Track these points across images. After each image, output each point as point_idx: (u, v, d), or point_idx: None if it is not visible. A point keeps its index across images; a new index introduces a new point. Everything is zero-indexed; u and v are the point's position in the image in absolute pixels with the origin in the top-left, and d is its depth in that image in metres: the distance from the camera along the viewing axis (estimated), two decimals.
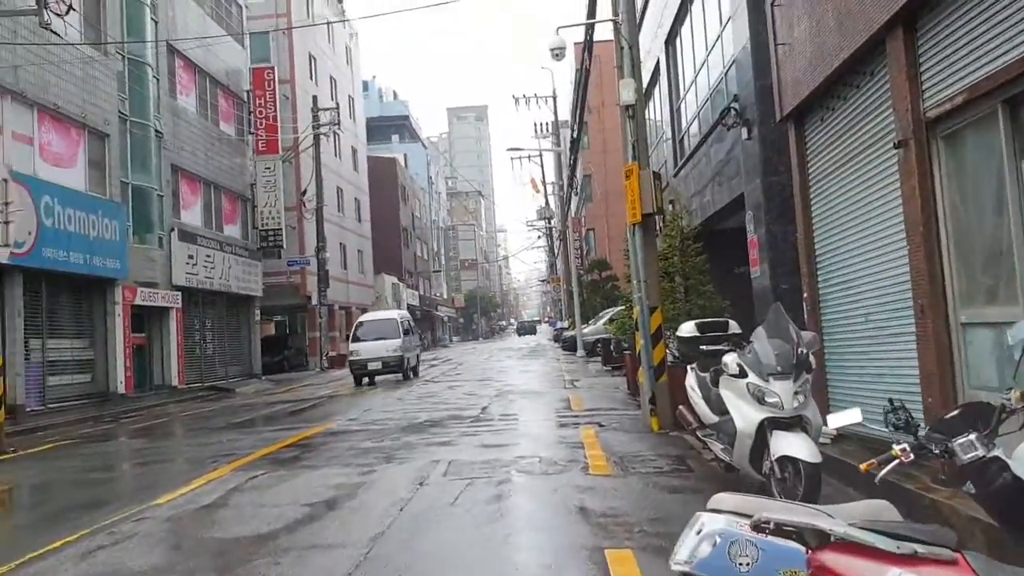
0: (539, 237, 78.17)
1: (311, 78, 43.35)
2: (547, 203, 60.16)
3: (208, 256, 28.27)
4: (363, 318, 27.38)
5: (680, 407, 8.54)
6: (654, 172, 11.08)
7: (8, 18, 17.99)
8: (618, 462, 8.70)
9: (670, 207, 17.47)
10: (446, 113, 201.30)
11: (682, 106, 17.69)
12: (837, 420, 3.46)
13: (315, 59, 44.76)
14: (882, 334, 7.57)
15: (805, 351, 6.37)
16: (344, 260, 48.10)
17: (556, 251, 60.79)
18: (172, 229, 26.05)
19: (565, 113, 58.98)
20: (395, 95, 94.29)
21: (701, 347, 7.85)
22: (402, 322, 26.15)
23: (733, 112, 11.92)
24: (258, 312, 33.64)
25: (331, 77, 48.20)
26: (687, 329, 8.42)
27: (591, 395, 16.92)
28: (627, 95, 10.87)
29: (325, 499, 7.61)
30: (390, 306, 58.93)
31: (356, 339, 25.18)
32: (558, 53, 15.32)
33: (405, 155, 75.47)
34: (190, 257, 26.94)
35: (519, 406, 15.74)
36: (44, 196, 18.99)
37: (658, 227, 12.43)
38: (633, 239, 11.50)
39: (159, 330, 25.51)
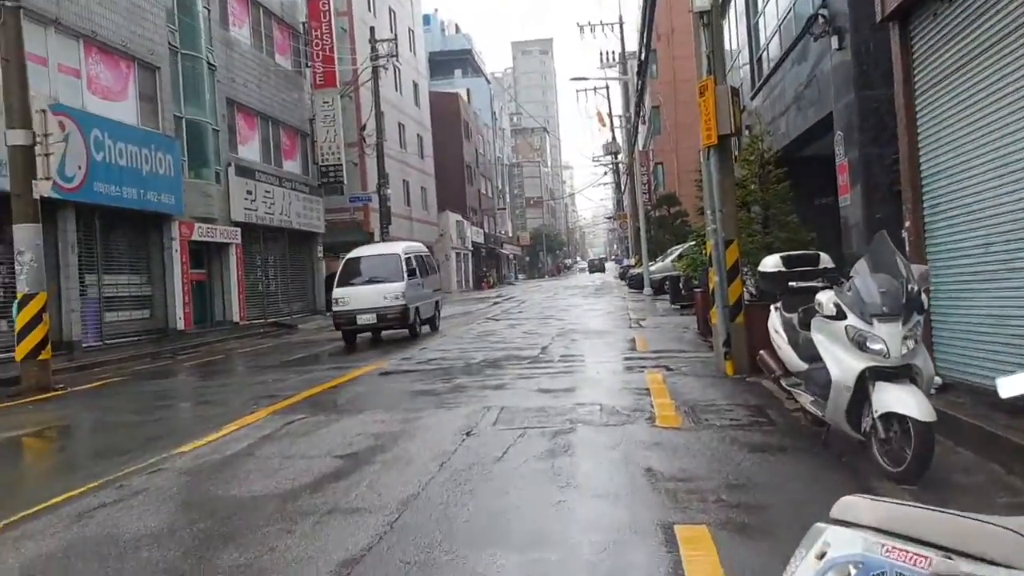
0: (605, 173, 76.52)
1: (369, 9, 42.25)
2: (613, 137, 58.50)
3: (267, 192, 27.77)
4: (355, 253, 20.29)
5: (761, 352, 7.54)
6: (731, 88, 9.88)
7: None
8: (688, 412, 7.76)
9: (746, 131, 16.14)
10: (510, 47, 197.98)
11: (760, 20, 16.24)
12: (1013, 386, 1.99)
13: None
14: (1006, 268, 6.41)
15: (917, 288, 5.31)
16: (407, 197, 47.46)
17: (623, 187, 59.25)
18: (229, 164, 25.54)
19: (632, 44, 56.94)
20: (457, 28, 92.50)
21: (789, 284, 6.79)
22: (407, 259, 19.06)
23: (821, 19, 10.59)
24: (321, 248, 33.23)
25: (390, 8, 47.01)
26: (771, 263, 7.34)
27: (658, 335, 15.93)
28: (701, 0, 9.65)
29: (359, 450, 6.84)
30: (454, 244, 58.41)
31: (344, 282, 18.53)
32: None
33: (468, 90, 74.11)
34: (248, 193, 26.45)
35: (581, 346, 14.85)
36: (94, 130, 18.50)
37: (735, 152, 11.24)
38: (708, 164, 10.36)
39: (219, 266, 25.19)
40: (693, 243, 18.95)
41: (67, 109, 17.38)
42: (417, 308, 18.77)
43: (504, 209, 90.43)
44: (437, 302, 21.16)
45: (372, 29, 36.80)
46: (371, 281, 18.33)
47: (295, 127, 31.55)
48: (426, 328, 19.95)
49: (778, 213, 11.46)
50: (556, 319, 22.20)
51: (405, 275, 18.32)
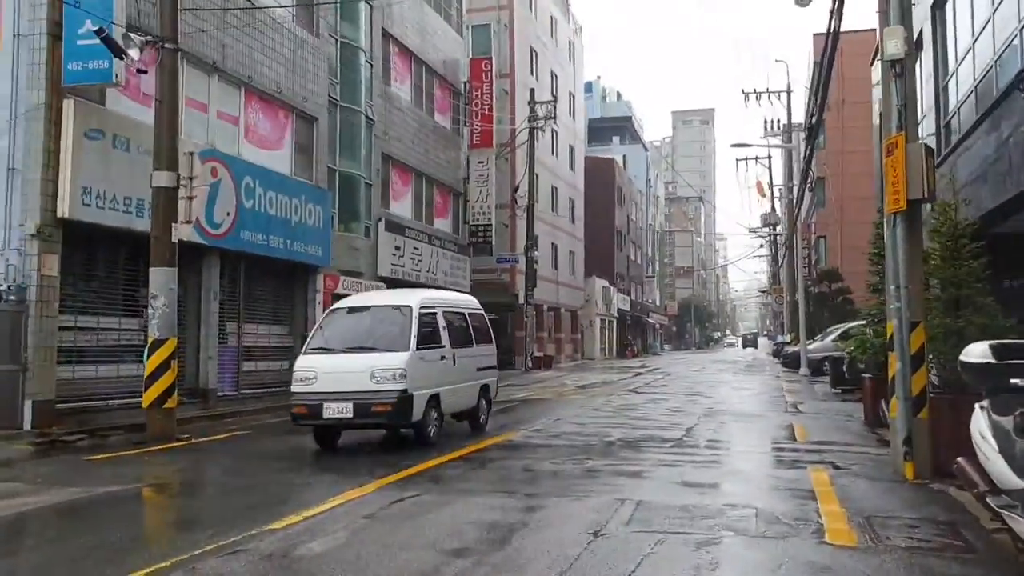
0: (761, 246, 73.94)
1: (531, 72, 42.41)
2: (773, 208, 56.34)
3: (416, 248, 27.68)
4: (345, 302, 13.69)
5: (959, 460, 6.12)
6: (925, 146, 8.54)
7: None
8: (864, 526, 6.40)
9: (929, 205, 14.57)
10: (670, 116, 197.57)
11: (951, 83, 14.65)
12: None
13: (536, 53, 43.80)
14: None
15: None
16: (555, 260, 46.90)
17: (780, 260, 56.79)
18: (380, 219, 25.57)
19: (798, 115, 55.03)
20: (619, 96, 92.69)
21: (1011, 380, 5.43)
22: (425, 315, 12.12)
23: None
24: None
25: (552, 72, 47.15)
26: (978, 353, 5.96)
27: (819, 424, 14.30)
28: (893, 47, 8.41)
29: (467, 545, 5.87)
30: (599, 310, 57.34)
31: (316, 347, 11.95)
32: None
33: (624, 156, 73.62)
34: (396, 248, 26.40)
35: (730, 430, 13.46)
36: (245, 177, 18.70)
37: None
38: (892, 234, 8.99)
39: None
40: (862, 322, 17.31)
41: (221, 155, 17.60)
42: (435, 396, 11.61)
43: (652, 277, 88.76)
44: (486, 386, 13.83)
45: (532, 91, 36.81)
46: (357, 348, 11.61)
47: (448, 185, 31.58)
48: (464, 424, 13.51)
49: (973, 294, 9.86)
50: (704, 396, 20.71)
51: (413, 341, 11.35)
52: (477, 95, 32.86)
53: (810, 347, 30.66)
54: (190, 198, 12.45)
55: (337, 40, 23.43)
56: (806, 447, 11.32)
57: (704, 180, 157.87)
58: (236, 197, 17.99)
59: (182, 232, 12.22)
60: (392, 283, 26.22)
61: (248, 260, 19.52)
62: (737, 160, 77.12)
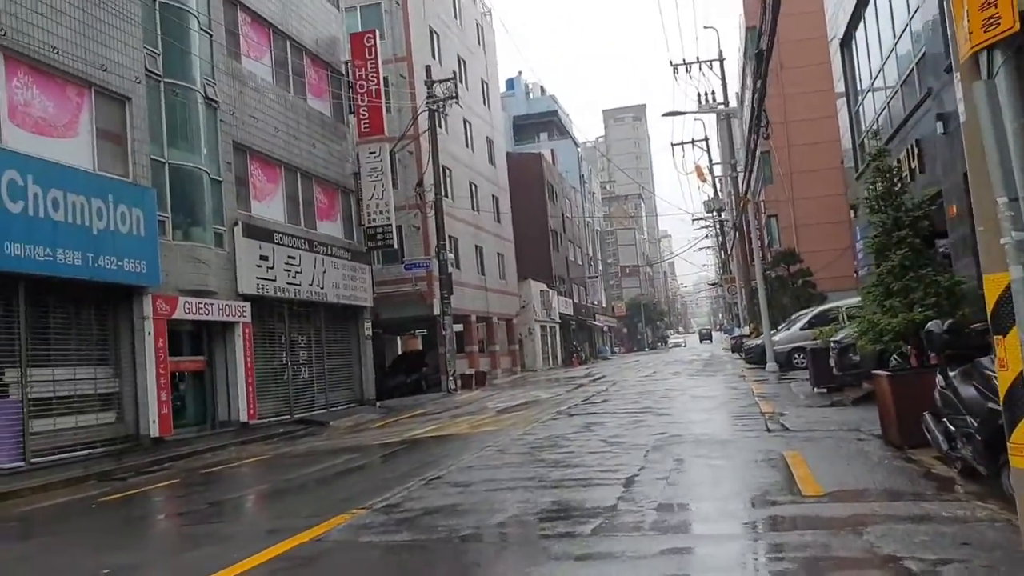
0: (706, 236, 70.12)
1: (434, 56, 37.55)
2: (716, 192, 52.37)
3: (291, 258, 22.55)
4: None
5: None
6: None
7: None
8: None
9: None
10: (601, 116, 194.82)
11: None
12: None
13: (437, 34, 38.99)
14: None
15: None
16: (480, 264, 42.03)
17: (729, 247, 52.83)
18: (236, 223, 20.46)
19: (734, 83, 51.01)
20: (543, 91, 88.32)
21: None
22: None
23: None
24: (369, 325, 27.78)
25: (459, 57, 42.38)
26: None
27: (821, 451, 9.52)
28: None
29: None
30: (538, 316, 52.56)
31: None
32: None
33: (552, 151, 69.09)
34: (263, 258, 21.26)
35: (693, 479, 8.73)
36: (7, 172, 13.58)
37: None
38: (987, 88, 4.35)
39: (222, 351, 19.93)
40: (838, 304, 13.54)
41: None
42: None
43: (596, 277, 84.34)
44: None
45: (428, 68, 31.93)
46: None
47: (334, 182, 26.52)
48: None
49: None
50: (654, 413, 15.88)
51: None
52: (361, 76, 27.86)
53: (775, 338, 26.23)
54: None
55: (155, 0, 18.36)
56: (822, 510, 6.56)
57: (642, 177, 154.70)
58: None
59: None
60: (261, 302, 21.16)
61: (29, 283, 14.39)
62: (673, 145, 73.26)
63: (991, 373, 5.74)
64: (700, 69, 41.79)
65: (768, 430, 11.79)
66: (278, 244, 22.00)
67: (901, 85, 14.24)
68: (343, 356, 26.50)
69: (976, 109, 4.50)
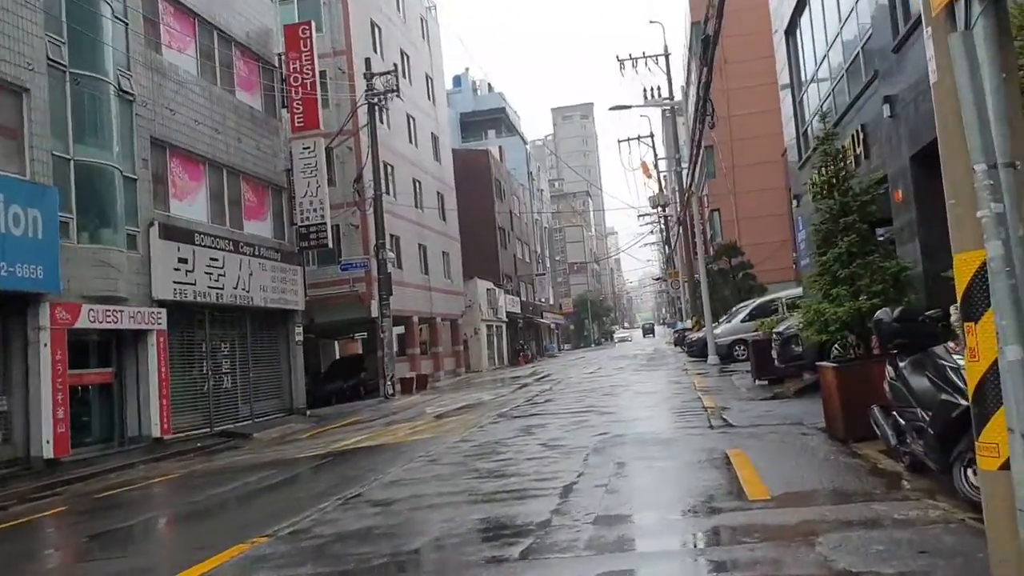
0: (651, 232, 69.83)
1: (375, 50, 36.27)
2: (660, 188, 51.95)
3: (214, 259, 21.25)
4: None
5: None
6: None
7: None
8: None
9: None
10: (550, 114, 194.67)
11: None
12: None
13: (379, 28, 37.74)
14: None
15: None
16: (424, 263, 40.90)
17: (673, 242, 52.47)
18: (152, 224, 19.14)
19: (679, 78, 50.54)
20: (490, 88, 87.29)
21: None
22: None
23: None
24: (300, 330, 26.54)
25: (402, 52, 41.15)
26: None
27: (765, 448, 9.17)
28: None
29: None
30: (485, 316, 51.58)
31: None
32: None
33: (501, 148, 68.14)
34: (182, 261, 19.95)
35: (635, 485, 8.20)
36: None
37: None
38: (963, 40, 3.59)
39: (133, 362, 18.60)
40: (778, 295, 13.27)
41: None
42: None
43: (544, 275, 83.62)
44: None
45: (368, 61, 30.71)
46: None
47: (264, 179, 25.23)
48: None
49: None
50: (597, 412, 15.20)
51: None
52: (296, 68, 26.57)
53: (716, 331, 25.85)
54: None
55: None
56: (770, 517, 6.00)
57: (590, 175, 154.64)
58: None
59: None
60: (179, 307, 19.87)
61: None
62: (620, 141, 72.81)
63: (945, 363, 5.65)
64: (646, 64, 41.45)
65: (711, 427, 11.45)
66: (199, 245, 20.70)
67: (847, 70, 13.73)
68: (271, 363, 25.24)
69: (951, 66, 3.70)
